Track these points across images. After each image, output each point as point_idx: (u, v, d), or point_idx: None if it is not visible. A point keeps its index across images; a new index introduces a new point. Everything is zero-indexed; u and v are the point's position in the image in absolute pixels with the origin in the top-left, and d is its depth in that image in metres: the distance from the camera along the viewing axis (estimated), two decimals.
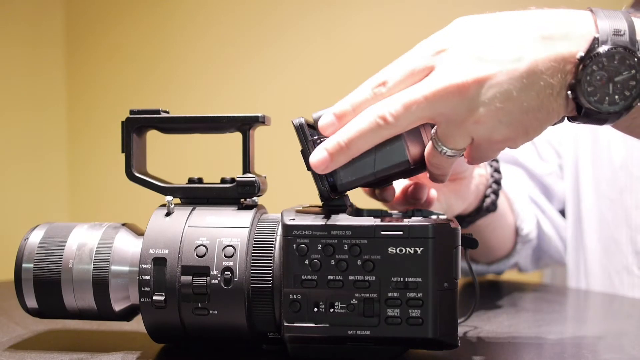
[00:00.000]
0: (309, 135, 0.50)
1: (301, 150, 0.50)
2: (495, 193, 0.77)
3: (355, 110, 0.48)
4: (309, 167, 0.50)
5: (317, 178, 0.50)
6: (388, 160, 0.49)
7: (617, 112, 0.46)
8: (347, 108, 0.48)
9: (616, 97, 0.45)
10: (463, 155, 0.50)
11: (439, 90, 0.45)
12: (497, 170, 0.78)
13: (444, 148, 0.48)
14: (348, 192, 0.52)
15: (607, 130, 0.96)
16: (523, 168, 1.02)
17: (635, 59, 0.45)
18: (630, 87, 0.45)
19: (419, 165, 0.51)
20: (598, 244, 1.00)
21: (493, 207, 0.76)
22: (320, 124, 0.49)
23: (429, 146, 0.49)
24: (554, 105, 0.46)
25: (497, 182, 0.77)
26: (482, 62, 0.45)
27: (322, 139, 0.49)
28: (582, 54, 0.45)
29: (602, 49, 0.45)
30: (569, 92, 0.46)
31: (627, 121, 0.48)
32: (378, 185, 0.52)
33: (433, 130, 0.49)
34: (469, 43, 0.46)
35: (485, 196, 0.76)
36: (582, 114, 0.46)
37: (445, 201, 0.69)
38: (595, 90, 0.45)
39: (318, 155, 0.47)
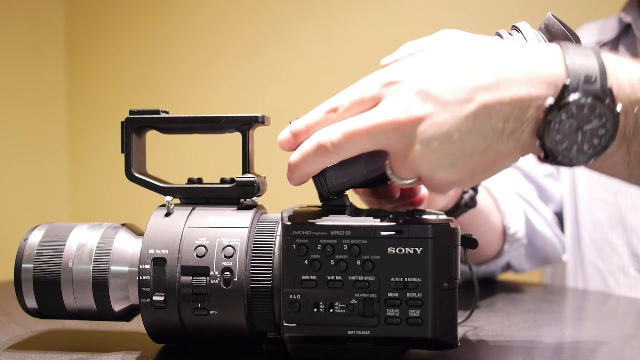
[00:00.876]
0: None
1: None
2: (474, 189, 0.76)
3: (308, 131, 0.48)
4: None
5: (316, 179, 0.50)
6: (378, 161, 0.49)
7: (585, 160, 0.45)
8: (302, 128, 0.48)
9: (585, 145, 0.44)
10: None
11: (379, 124, 0.45)
12: None
13: (394, 177, 0.48)
14: (348, 193, 0.52)
15: None
16: (518, 169, 1.02)
17: (606, 108, 0.43)
18: (600, 136, 0.43)
19: None
20: (592, 246, 1.00)
21: (472, 202, 0.76)
22: (279, 138, 0.49)
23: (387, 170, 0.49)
24: (504, 148, 0.45)
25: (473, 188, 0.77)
26: (427, 100, 0.44)
27: None
28: (552, 102, 0.43)
29: (573, 97, 0.42)
30: (537, 139, 0.44)
31: (597, 163, 0.47)
32: (371, 185, 0.52)
33: (387, 164, 0.48)
34: (420, 78, 0.45)
35: (464, 192, 0.75)
36: (549, 158, 0.45)
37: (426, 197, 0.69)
38: (563, 138, 0.43)
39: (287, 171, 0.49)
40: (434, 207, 0.71)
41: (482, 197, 0.79)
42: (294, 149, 0.48)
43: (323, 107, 0.48)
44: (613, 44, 1.03)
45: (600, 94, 0.43)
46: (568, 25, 0.50)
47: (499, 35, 0.51)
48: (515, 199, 0.98)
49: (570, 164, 0.45)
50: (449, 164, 0.45)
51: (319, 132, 0.47)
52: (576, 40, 0.49)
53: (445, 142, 0.44)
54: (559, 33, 0.50)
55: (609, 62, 0.44)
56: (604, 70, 0.43)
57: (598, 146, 0.44)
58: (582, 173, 0.99)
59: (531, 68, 0.44)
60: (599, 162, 0.46)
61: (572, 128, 0.43)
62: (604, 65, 0.44)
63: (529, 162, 1.02)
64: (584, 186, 0.99)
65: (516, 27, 0.51)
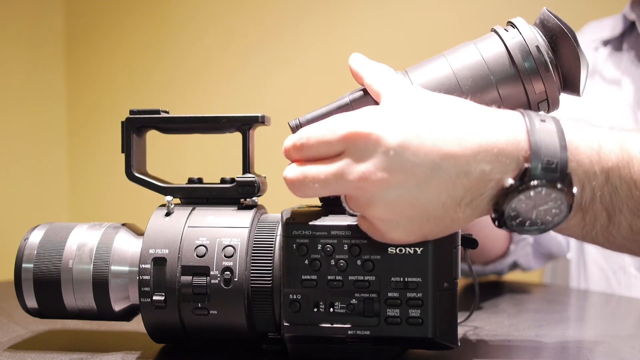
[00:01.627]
0: None
1: None
2: None
3: (290, 153, 0.48)
4: None
5: None
6: None
7: (538, 232, 0.46)
8: (288, 146, 0.48)
9: (538, 221, 0.45)
10: None
11: (345, 178, 0.45)
12: None
13: (348, 208, 0.47)
14: None
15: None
16: None
17: (562, 193, 0.43)
18: (553, 215, 0.45)
19: None
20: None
21: None
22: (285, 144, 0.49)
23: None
24: (461, 215, 0.45)
25: None
26: (394, 163, 0.43)
27: None
28: (512, 182, 0.43)
29: (532, 183, 0.43)
30: (493, 212, 0.45)
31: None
32: None
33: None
34: (390, 136, 0.44)
35: None
36: (503, 227, 0.46)
37: None
38: (517, 214, 0.45)
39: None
40: None
41: None
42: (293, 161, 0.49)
43: (291, 140, 0.48)
44: (617, 42, 1.03)
45: (559, 181, 0.43)
46: (563, 20, 0.50)
47: (495, 31, 0.51)
48: None
49: (522, 233, 0.46)
50: (404, 227, 0.45)
51: (293, 166, 0.47)
52: (571, 33, 0.49)
53: (407, 206, 0.44)
54: (555, 28, 0.50)
55: (571, 136, 0.45)
56: (565, 150, 0.44)
57: (550, 223, 0.45)
58: None
59: (497, 143, 0.44)
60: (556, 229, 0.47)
61: (528, 207, 0.44)
62: (565, 145, 0.44)
63: None
64: None
65: (511, 22, 0.51)
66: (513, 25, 0.51)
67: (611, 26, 1.05)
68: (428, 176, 0.43)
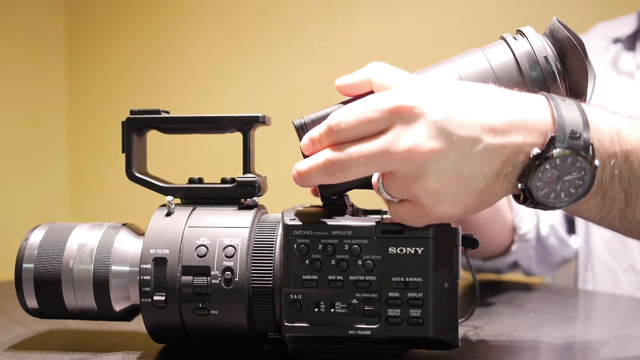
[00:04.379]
0: None
1: (302, 149, 0.50)
2: None
3: (321, 141, 0.48)
4: None
5: None
6: None
7: (562, 206, 0.47)
8: (315, 136, 0.48)
9: (562, 194, 0.46)
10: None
11: (390, 152, 0.45)
12: None
13: (383, 192, 0.47)
14: (348, 192, 0.52)
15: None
16: None
17: (586, 162, 0.45)
18: (577, 186, 0.46)
19: None
20: (602, 243, 0.99)
21: None
22: (301, 143, 0.49)
23: (373, 179, 0.48)
24: (499, 188, 0.46)
25: None
26: (440, 133, 0.44)
27: None
28: (538, 151, 0.45)
29: (557, 151, 0.45)
30: (519, 183, 0.46)
31: (572, 207, 0.49)
32: (372, 186, 0.52)
33: (378, 175, 0.48)
34: (435, 109, 0.45)
35: None
36: (528, 201, 0.47)
37: None
38: (543, 185, 0.46)
39: (295, 169, 0.49)
40: None
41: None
42: (308, 150, 0.49)
43: (326, 124, 0.48)
44: (630, 41, 1.02)
45: (582, 149, 0.45)
46: (573, 31, 0.50)
47: (504, 39, 0.51)
48: None
49: (546, 208, 0.47)
50: (450, 200, 0.46)
51: (328, 150, 0.47)
52: (580, 45, 0.49)
53: (453, 177, 0.45)
54: (564, 39, 0.50)
55: (592, 116, 0.47)
56: (587, 126, 0.46)
57: (574, 195, 0.46)
58: None
59: (526, 116, 0.46)
60: (574, 206, 0.49)
61: (553, 177, 0.46)
62: (587, 120, 0.46)
63: None
64: None
65: (521, 31, 0.51)
66: (522, 34, 0.51)
67: (624, 24, 1.05)
68: (471, 148, 0.45)
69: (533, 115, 0.46)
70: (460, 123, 0.45)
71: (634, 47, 1.02)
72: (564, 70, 0.50)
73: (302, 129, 0.50)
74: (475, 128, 0.45)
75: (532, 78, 0.49)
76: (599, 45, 1.05)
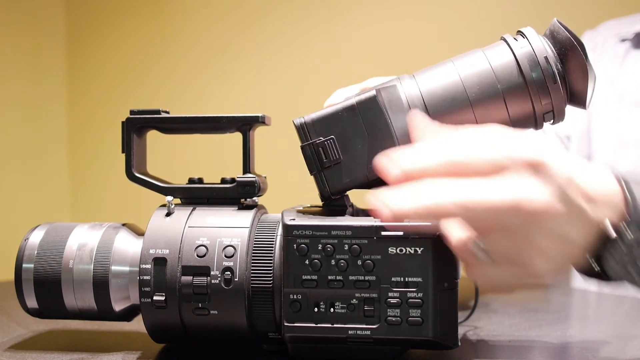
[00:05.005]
0: (310, 136, 0.50)
1: (302, 150, 0.50)
2: None
3: (422, 173, 0.45)
4: (310, 169, 0.50)
5: (318, 179, 0.50)
6: None
7: (631, 283, 0.47)
8: (416, 170, 0.45)
9: (633, 271, 0.46)
10: (489, 259, 0.46)
11: (522, 206, 0.43)
12: None
13: (482, 251, 0.45)
14: (348, 192, 0.52)
15: (625, 130, 0.96)
16: None
17: None
18: None
19: None
20: None
21: None
22: (385, 170, 0.46)
23: (457, 234, 0.45)
24: (580, 260, 0.47)
25: None
26: (562, 196, 0.44)
27: (324, 141, 0.49)
28: (614, 233, 0.45)
29: (631, 235, 0.45)
30: (592, 258, 0.46)
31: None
32: (373, 186, 0.52)
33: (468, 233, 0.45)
34: (561, 172, 0.45)
35: None
36: (596, 274, 0.47)
37: None
38: (616, 262, 0.46)
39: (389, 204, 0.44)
40: None
41: None
42: (400, 183, 0.45)
43: (445, 157, 0.45)
44: (637, 39, 1.01)
45: None
46: (573, 33, 0.50)
47: (504, 40, 0.51)
48: None
49: (611, 281, 0.47)
50: (549, 259, 0.45)
51: (439, 191, 0.44)
52: (581, 46, 0.49)
53: (563, 241, 0.45)
54: (564, 40, 0.50)
55: None
56: None
57: None
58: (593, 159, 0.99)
59: (607, 191, 0.46)
60: None
61: (628, 257, 0.46)
62: None
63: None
64: None
65: (521, 32, 0.51)
66: (523, 35, 0.51)
67: (632, 23, 1.03)
68: (578, 212, 0.45)
69: (612, 189, 0.46)
70: (575, 189, 0.45)
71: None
72: (564, 71, 0.50)
73: (302, 129, 0.50)
74: (583, 194, 0.45)
75: (532, 79, 0.49)
76: (611, 41, 1.04)
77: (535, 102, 0.50)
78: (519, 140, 0.45)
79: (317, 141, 0.50)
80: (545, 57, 0.49)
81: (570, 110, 0.53)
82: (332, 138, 0.50)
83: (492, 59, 0.50)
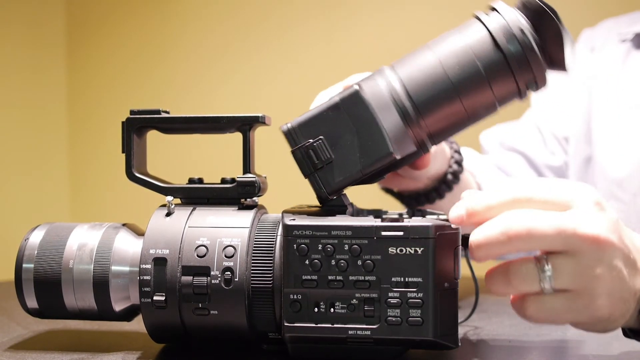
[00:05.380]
0: (298, 140, 0.50)
1: (293, 155, 0.50)
2: (455, 175, 0.76)
3: (485, 213, 0.47)
4: (304, 172, 0.50)
5: (312, 180, 0.50)
6: (372, 156, 0.49)
7: None
8: (480, 209, 0.48)
9: None
10: (552, 290, 0.47)
11: (581, 233, 0.45)
12: (457, 152, 0.77)
13: (549, 275, 0.46)
14: (347, 193, 0.52)
15: (626, 131, 0.96)
16: (523, 155, 1.02)
17: None
18: None
19: (406, 157, 0.51)
20: None
21: (455, 180, 0.76)
22: (450, 215, 0.48)
23: (521, 269, 0.47)
24: (633, 315, 0.49)
25: (458, 163, 0.76)
26: (617, 233, 0.46)
27: (313, 143, 0.49)
28: None
29: None
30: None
31: None
32: (368, 181, 0.52)
33: (539, 260, 0.47)
34: (609, 210, 0.47)
35: (445, 174, 0.75)
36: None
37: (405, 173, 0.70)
38: None
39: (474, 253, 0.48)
40: (413, 184, 0.73)
41: (465, 183, 0.79)
42: (466, 224, 0.48)
43: (510, 193, 0.47)
44: (637, 40, 1.00)
45: None
46: (544, 0, 0.50)
47: (477, 17, 0.51)
48: (494, 172, 0.98)
49: None
50: (610, 295, 0.46)
51: (509, 218, 0.46)
52: (553, 13, 0.49)
53: (621, 277, 0.46)
54: (536, 8, 0.50)
55: None
56: None
57: None
58: (599, 172, 0.98)
59: None
60: None
61: None
62: None
63: (537, 149, 1.02)
64: (601, 186, 0.97)
65: (492, 7, 0.52)
66: (494, 9, 0.51)
67: (629, 23, 1.02)
68: (634, 260, 0.48)
69: None
70: (622, 230, 0.48)
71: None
72: (540, 39, 0.50)
73: (290, 134, 0.50)
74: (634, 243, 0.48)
75: (510, 52, 0.49)
76: (614, 39, 1.02)
77: (516, 74, 0.50)
78: (578, 183, 0.48)
79: (307, 144, 0.50)
80: (520, 28, 0.49)
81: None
82: (321, 139, 0.50)
83: (467, 38, 0.51)
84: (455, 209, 0.48)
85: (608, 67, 1.01)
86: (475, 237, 0.47)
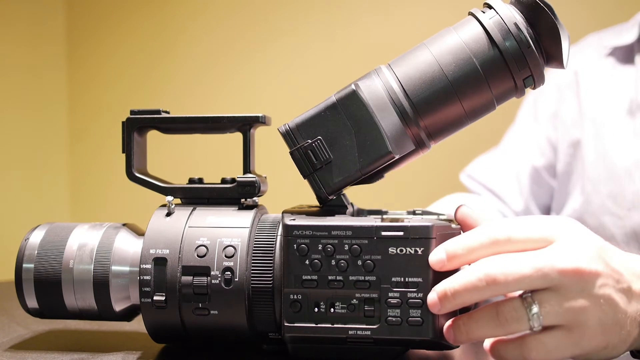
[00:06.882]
0: (296, 140, 0.50)
1: (291, 156, 0.50)
2: None
3: (467, 256, 0.46)
4: (303, 173, 0.50)
5: (311, 181, 0.50)
6: (371, 156, 0.49)
7: None
8: (460, 251, 0.46)
9: None
10: (539, 329, 0.45)
11: (559, 268, 0.44)
12: None
13: (535, 312, 0.45)
14: (347, 193, 0.52)
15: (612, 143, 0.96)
16: (499, 199, 1.04)
17: None
18: None
19: (405, 155, 0.51)
20: None
21: None
22: (430, 259, 0.47)
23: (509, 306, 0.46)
24: (638, 339, 0.48)
25: None
26: (602, 260, 0.46)
27: (311, 144, 0.49)
28: None
29: None
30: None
31: None
32: (367, 181, 0.52)
33: (524, 297, 0.46)
34: (592, 238, 0.47)
35: None
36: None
37: None
38: None
39: (431, 297, 0.46)
40: None
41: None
42: (445, 270, 0.47)
43: (489, 234, 0.46)
44: (628, 50, 0.99)
45: None
46: None
47: (472, 14, 0.51)
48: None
49: None
50: (600, 325, 0.46)
51: (486, 263, 0.45)
52: (548, 8, 0.49)
53: (611, 304, 0.46)
54: (531, 3, 0.50)
55: None
56: None
57: None
58: (594, 186, 0.97)
59: None
60: None
61: None
62: None
63: (532, 157, 1.02)
64: (595, 200, 0.96)
65: (487, 3, 0.52)
66: (489, 6, 0.51)
67: (624, 32, 1.00)
68: (626, 287, 0.47)
69: None
70: (618, 257, 0.47)
71: (632, 59, 0.98)
72: (536, 35, 0.50)
73: (288, 135, 0.50)
74: (627, 269, 0.47)
75: (506, 48, 0.49)
76: (601, 52, 1.01)
77: (512, 70, 0.50)
78: (558, 217, 0.48)
79: (305, 144, 0.50)
80: (515, 24, 0.49)
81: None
82: (319, 139, 0.50)
83: (463, 35, 0.51)
84: (436, 253, 0.46)
85: (595, 84, 1.00)
86: (446, 285, 0.45)
